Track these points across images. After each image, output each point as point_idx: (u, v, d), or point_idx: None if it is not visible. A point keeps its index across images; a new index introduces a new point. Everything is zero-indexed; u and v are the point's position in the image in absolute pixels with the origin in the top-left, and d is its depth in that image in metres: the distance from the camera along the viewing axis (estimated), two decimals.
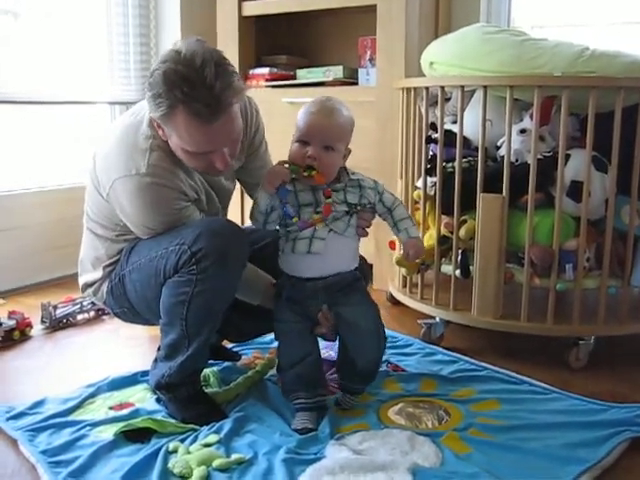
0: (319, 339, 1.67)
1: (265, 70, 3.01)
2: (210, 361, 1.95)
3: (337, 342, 1.68)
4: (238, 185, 1.90)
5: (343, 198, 1.57)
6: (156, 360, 1.67)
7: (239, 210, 2.94)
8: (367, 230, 1.64)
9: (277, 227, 1.60)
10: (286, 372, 1.64)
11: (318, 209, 1.54)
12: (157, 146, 1.57)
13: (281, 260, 1.62)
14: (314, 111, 1.54)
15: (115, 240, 1.72)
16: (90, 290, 1.80)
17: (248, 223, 1.74)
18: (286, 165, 1.53)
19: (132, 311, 1.73)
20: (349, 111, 1.59)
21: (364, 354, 1.62)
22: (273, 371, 1.87)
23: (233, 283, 1.56)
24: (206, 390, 1.73)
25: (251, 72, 3.05)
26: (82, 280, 1.83)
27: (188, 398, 1.64)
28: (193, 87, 1.41)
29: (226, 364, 1.96)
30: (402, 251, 1.67)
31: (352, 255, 1.63)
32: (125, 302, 1.72)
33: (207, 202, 1.71)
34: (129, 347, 2.19)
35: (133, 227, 1.64)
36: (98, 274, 1.76)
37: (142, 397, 1.76)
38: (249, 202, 2.76)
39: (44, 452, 1.47)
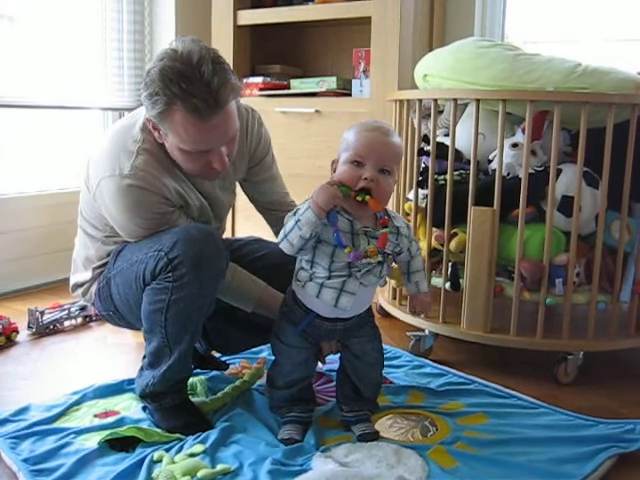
0: None
1: (259, 79, 3.02)
2: (197, 370, 1.95)
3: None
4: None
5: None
6: (142, 368, 1.66)
7: (229, 220, 2.93)
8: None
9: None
10: (279, 390, 1.62)
11: (370, 241, 1.42)
12: (144, 150, 1.56)
13: (299, 291, 1.52)
14: (371, 129, 1.43)
15: (104, 241, 1.72)
16: (80, 290, 1.81)
17: (241, 234, 1.73)
18: (336, 187, 1.39)
19: (117, 315, 1.73)
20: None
21: (368, 383, 1.62)
22: (261, 381, 1.86)
23: (210, 291, 1.54)
24: (193, 399, 1.71)
25: (245, 81, 3.05)
26: (73, 280, 1.83)
27: (173, 407, 1.63)
28: (191, 83, 1.41)
29: (214, 373, 1.94)
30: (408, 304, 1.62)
31: (374, 294, 1.56)
32: (111, 305, 1.71)
33: (199, 213, 1.70)
34: (116, 354, 2.18)
35: (117, 228, 1.64)
36: (88, 275, 1.77)
37: (127, 405, 1.75)
38: (241, 212, 2.75)
39: (26, 460, 1.45)
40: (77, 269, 1.82)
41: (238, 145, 1.66)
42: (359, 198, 1.39)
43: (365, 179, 1.39)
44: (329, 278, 1.45)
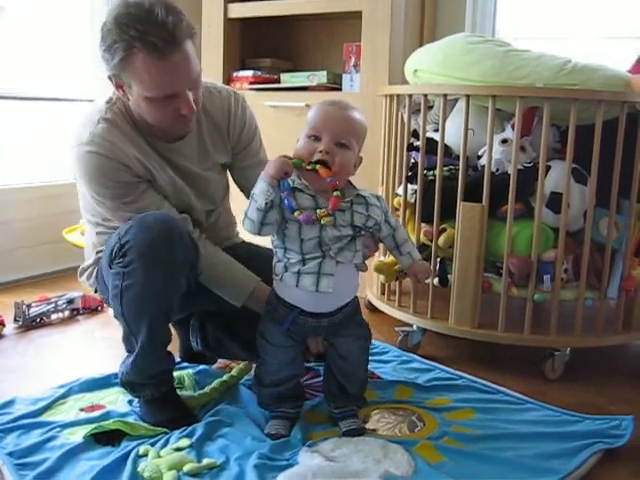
0: None
1: (249, 73, 3.00)
2: (185, 364, 1.95)
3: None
4: None
5: (349, 220, 1.43)
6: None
7: None
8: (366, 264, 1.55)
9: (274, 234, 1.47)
10: (266, 388, 1.61)
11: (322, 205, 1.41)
12: (105, 119, 1.58)
13: (278, 287, 1.50)
14: (330, 104, 1.45)
15: (100, 225, 1.74)
16: (85, 275, 1.83)
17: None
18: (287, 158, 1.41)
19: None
20: (361, 112, 1.49)
21: (354, 381, 1.61)
22: (249, 376, 1.85)
23: (160, 280, 1.50)
24: (181, 393, 1.71)
25: (235, 74, 3.04)
26: (82, 266, 1.85)
27: (159, 401, 1.62)
28: (146, 24, 1.43)
29: (201, 367, 1.94)
30: (408, 274, 1.56)
31: (357, 282, 1.54)
32: (104, 289, 1.71)
33: (173, 189, 1.69)
34: (103, 348, 2.17)
35: (89, 204, 1.66)
36: (91, 259, 1.80)
37: (114, 399, 1.74)
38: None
39: (11, 454, 1.44)
40: (87, 256, 1.85)
41: (217, 124, 1.71)
42: (309, 167, 1.39)
43: (320, 152, 1.40)
44: (304, 263, 1.43)
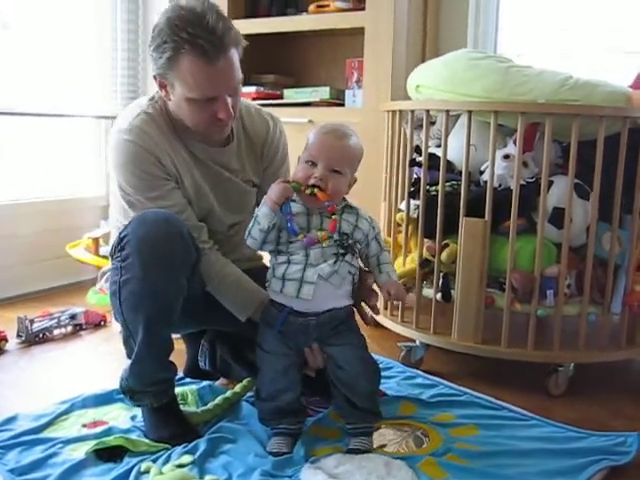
0: None
1: (252, 89, 3.02)
2: (188, 380, 1.95)
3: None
4: None
5: (337, 227, 1.51)
6: None
7: None
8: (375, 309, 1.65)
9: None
10: (265, 402, 1.60)
11: (322, 227, 1.51)
12: (146, 113, 1.64)
13: (270, 290, 1.57)
14: (326, 132, 1.53)
15: None
16: (104, 277, 1.88)
17: None
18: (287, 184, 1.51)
19: None
20: (359, 140, 1.57)
21: (359, 393, 1.58)
22: (252, 392, 1.82)
23: (158, 276, 1.49)
24: (184, 409, 1.70)
25: None
26: (103, 268, 1.89)
27: (155, 413, 1.62)
28: (197, 27, 1.49)
29: (204, 383, 1.93)
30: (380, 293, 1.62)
31: (345, 295, 1.56)
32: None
33: (196, 195, 1.69)
34: (106, 363, 2.17)
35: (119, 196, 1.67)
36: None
37: (116, 415, 1.74)
38: None
39: (12, 471, 1.44)
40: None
41: (254, 144, 1.78)
42: (308, 192, 1.49)
43: (315, 177, 1.48)
44: (288, 264, 1.50)
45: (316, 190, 1.48)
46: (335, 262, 1.50)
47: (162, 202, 1.61)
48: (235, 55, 1.56)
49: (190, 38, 1.49)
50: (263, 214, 1.48)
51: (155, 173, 1.61)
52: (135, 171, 1.60)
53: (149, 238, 1.49)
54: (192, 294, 1.59)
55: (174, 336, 1.64)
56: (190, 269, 1.57)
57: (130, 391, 1.61)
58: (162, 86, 1.60)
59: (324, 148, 1.50)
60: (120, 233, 1.53)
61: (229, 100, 1.57)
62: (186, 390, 1.85)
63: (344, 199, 1.58)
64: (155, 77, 1.60)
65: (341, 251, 1.52)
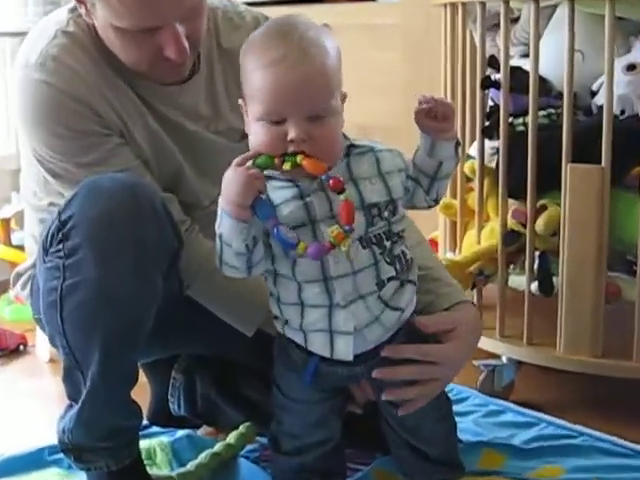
0: None
1: None
2: (156, 429, 1.96)
3: None
4: None
5: (358, 200, 1.38)
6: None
7: None
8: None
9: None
10: (287, 457, 1.60)
11: (331, 221, 1.36)
12: (65, 32, 1.58)
13: (283, 327, 1.49)
14: (276, 59, 1.34)
15: (49, 211, 1.72)
16: (21, 281, 1.85)
17: None
18: (249, 163, 1.34)
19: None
20: (325, 31, 1.41)
21: (427, 438, 1.59)
22: (253, 444, 1.87)
23: (122, 275, 1.47)
24: (151, 472, 1.70)
25: None
26: (17, 269, 1.88)
27: (109, 477, 1.61)
28: None
29: (180, 433, 1.94)
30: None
31: (408, 309, 1.50)
32: (37, 300, 1.67)
33: (156, 154, 1.69)
34: (31, 409, 2.20)
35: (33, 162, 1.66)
36: (31, 260, 1.79)
37: None
38: None
39: None
40: (28, 254, 1.88)
41: (237, 65, 1.61)
42: (286, 166, 1.34)
43: (292, 141, 1.34)
44: (302, 307, 1.41)
45: (300, 159, 1.33)
46: (379, 282, 1.41)
47: (101, 168, 1.58)
48: None
49: None
50: (230, 230, 1.35)
51: (87, 129, 1.58)
52: (56, 129, 1.57)
53: (107, 219, 1.45)
54: (168, 299, 1.58)
55: None
56: (167, 263, 1.56)
57: (76, 449, 1.60)
58: (80, 1, 1.56)
59: (287, 92, 1.33)
60: (60, 214, 1.50)
61: (181, 29, 1.52)
62: (153, 444, 1.86)
63: (345, 138, 1.44)
64: None
65: (383, 244, 1.42)
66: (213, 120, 1.74)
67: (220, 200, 1.34)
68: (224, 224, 1.35)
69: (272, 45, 1.35)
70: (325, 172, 1.32)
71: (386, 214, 1.41)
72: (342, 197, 1.32)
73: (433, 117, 1.40)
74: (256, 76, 1.36)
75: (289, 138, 1.33)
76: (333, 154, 1.38)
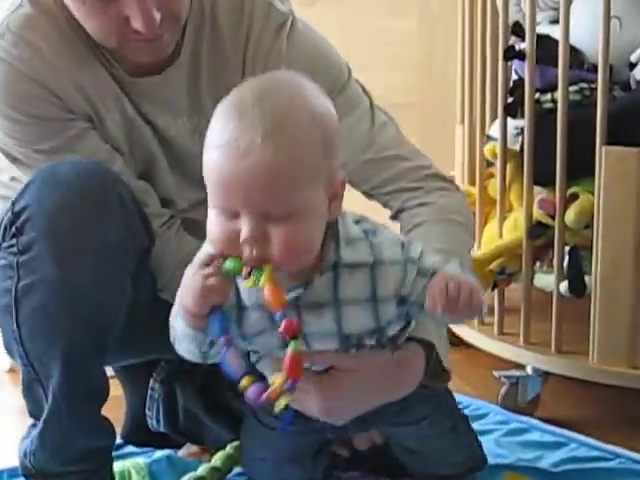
0: None
1: None
2: (132, 449, 1.97)
3: None
4: None
5: (333, 321, 1.35)
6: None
7: None
8: None
9: None
10: None
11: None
12: (35, 2, 1.56)
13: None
14: (227, 140, 1.20)
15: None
16: None
17: None
18: (214, 265, 1.24)
19: None
20: (317, 105, 1.25)
21: (444, 463, 1.62)
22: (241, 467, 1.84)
23: (79, 277, 1.46)
24: None
25: None
26: None
27: None
28: None
29: (159, 454, 1.93)
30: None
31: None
32: None
33: (129, 142, 1.66)
34: None
35: None
36: None
37: None
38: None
39: None
40: None
41: (225, 39, 1.64)
42: (248, 283, 1.24)
43: (245, 242, 1.22)
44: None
45: (263, 279, 1.21)
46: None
47: (66, 155, 1.57)
48: None
49: None
50: (181, 332, 1.32)
51: (47, 114, 1.57)
52: (12, 113, 1.56)
53: (66, 210, 1.45)
54: (139, 302, 1.58)
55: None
56: (137, 260, 1.56)
57: (40, 474, 1.60)
58: None
59: (232, 183, 1.20)
60: (14, 205, 1.50)
61: None
62: (128, 466, 1.86)
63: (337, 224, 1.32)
64: None
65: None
66: (196, 113, 1.69)
67: (177, 300, 1.30)
68: (180, 327, 1.32)
69: (228, 121, 1.21)
70: (283, 308, 1.21)
71: (368, 342, 1.39)
72: (290, 347, 1.21)
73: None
74: (205, 156, 1.24)
75: (243, 237, 1.20)
76: (296, 262, 1.25)
